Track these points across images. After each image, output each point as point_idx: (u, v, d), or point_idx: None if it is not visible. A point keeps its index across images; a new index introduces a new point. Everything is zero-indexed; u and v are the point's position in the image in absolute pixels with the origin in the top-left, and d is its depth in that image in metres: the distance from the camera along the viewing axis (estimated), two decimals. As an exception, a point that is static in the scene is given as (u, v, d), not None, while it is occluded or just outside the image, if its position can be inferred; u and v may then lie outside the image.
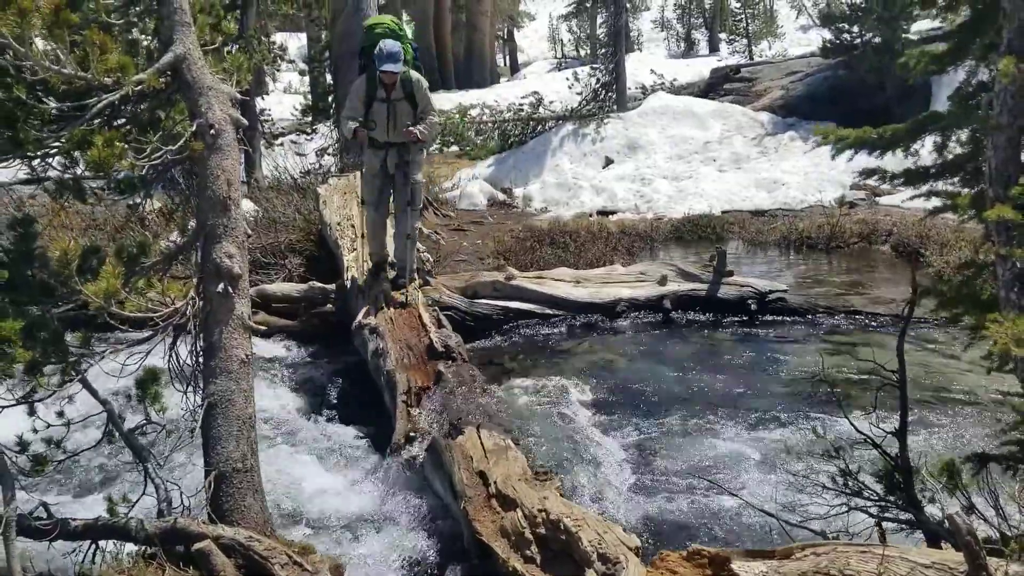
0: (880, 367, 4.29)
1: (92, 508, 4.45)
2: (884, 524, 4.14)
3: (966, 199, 3.93)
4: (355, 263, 7.83)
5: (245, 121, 4.56)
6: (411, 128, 6.82)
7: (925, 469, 4.14)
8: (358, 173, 10.00)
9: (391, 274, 7.43)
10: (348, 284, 7.65)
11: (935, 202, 4.23)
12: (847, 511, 4.23)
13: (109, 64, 3.76)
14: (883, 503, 4.15)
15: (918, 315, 6.26)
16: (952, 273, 6.19)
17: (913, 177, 4.18)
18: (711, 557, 3.12)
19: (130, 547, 3.99)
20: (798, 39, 33.63)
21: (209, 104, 4.20)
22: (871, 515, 4.12)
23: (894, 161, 4.43)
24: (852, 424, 4.35)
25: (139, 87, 3.97)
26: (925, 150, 4.27)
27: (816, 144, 4.60)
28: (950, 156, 4.19)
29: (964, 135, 4.16)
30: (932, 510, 4.01)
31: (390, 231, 7.67)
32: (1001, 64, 3.50)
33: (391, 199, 7.40)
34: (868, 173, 4.30)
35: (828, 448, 4.37)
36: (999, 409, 5.54)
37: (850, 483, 4.25)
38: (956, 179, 4.03)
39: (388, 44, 6.48)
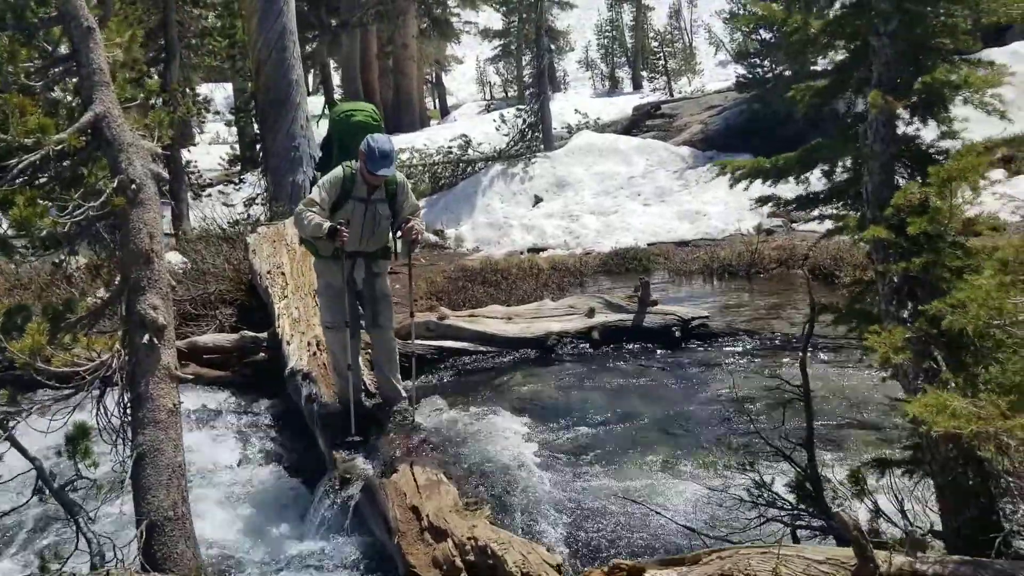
0: (785, 382, 4.56)
1: (22, 567, 4.43)
2: (799, 532, 4.38)
3: (854, 220, 4.24)
4: (286, 311, 7.87)
5: (166, 175, 4.68)
6: (412, 222, 5.74)
7: (834, 477, 4.39)
8: (286, 222, 9.96)
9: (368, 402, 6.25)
10: (279, 333, 7.67)
11: (828, 225, 4.56)
12: (764, 522, 4.45)
13: (29, 126, 3.87)
14: (796, 511, 4.39)
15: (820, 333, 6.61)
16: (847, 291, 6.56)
17: (804, 203, 4.48)
18: (629, 569, 3.29)
19: (63, 603, 4.00)
20: (718, 74, 34.79)
21: (130, 160, 4.31)
22: (785, 523, 4.34)
23: (788, 188, 4.74)
24: (763, 438, 4.60)
25: (60, 146, 4.07)
26: (814, 177, 4.59)
27: (714, 176, 4.88)
28: (837, 181, 4.51)
29: (849, 162, 4.50)
30: (843, 516, 4.25)
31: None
32: (871, 96, 3.84)
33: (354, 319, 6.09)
34: (764, 200, 4.58)
35: (743, 462, 4.61)
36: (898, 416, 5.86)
37: (764, 495, 4.48)
38: (841, 203, 4.34)
39: (381, 141, 5.50)
